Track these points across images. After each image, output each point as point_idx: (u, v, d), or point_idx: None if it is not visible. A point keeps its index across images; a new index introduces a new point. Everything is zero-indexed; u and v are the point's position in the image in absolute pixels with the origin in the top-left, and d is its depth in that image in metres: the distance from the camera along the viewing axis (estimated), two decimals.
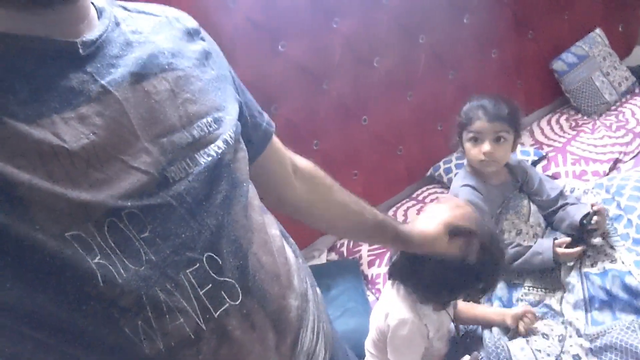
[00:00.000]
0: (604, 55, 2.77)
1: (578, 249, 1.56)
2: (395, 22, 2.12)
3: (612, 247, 1.58)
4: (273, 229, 0.72)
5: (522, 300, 1.55)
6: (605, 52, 2.79)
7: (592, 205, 1.60)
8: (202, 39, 0.70)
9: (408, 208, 2.34)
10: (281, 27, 1.83)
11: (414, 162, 2.42)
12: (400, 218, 2.28)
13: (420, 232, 0.99)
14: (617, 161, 2.24)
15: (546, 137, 2.64)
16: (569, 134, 2.57)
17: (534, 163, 2.31)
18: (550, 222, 1.76)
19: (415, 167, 2.43)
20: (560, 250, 1.56)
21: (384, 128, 2.26)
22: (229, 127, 0.66)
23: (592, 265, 1.55)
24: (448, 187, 2.09)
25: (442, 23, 2.28)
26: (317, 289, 0.81)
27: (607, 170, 2.18)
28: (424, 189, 2.45)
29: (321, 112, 2.03)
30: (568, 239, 1.59)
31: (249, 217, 0.65)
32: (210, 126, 0.63)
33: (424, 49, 2.27)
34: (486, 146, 1.61)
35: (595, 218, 1.57)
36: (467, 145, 1.68)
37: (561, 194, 1.77)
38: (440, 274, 1.09)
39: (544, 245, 1.57)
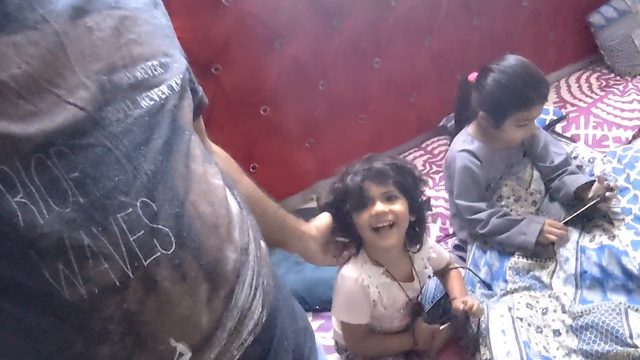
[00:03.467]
0: None
1: (562, 231, 1.50)
2: None
3: (610, 223, 1.50)
4: (216, 179, 0.69)
5: (510, 269, 1.50)
6: None
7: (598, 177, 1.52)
8: None
9: (415, 158, 2.27)
10: None
11: (427, 111, 2.31)
12: None
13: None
14: None
15: (572, 95, 2.51)
16: (596, 94, 2.44)
17: (552, 123, 2.19)
18: (548, 189, 1.69)
19: (427, 116, 2.33)
20: (548, 227, 1.49)
21: (398, 73, 2.14)
22: (175, 73, 0.64)
23: (590, 240, 1.48)
24: None
25: None
26: (263, 243, 0.78)
27: (630, 138, 2.07)
28: (435, 139, 2.37)
29: (330, 51, 1.92)
30: (560, 224, 1.52)
31: (189, 166, 0.64)
32: (156, 70, 0.61)
33: None
34: (532, 128, 1.57)
35: (596, 186, 1.50)
36: (512, 127, 1.53)
37: (566, 161, 1.68)
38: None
39: (530, 228, 1.50)
